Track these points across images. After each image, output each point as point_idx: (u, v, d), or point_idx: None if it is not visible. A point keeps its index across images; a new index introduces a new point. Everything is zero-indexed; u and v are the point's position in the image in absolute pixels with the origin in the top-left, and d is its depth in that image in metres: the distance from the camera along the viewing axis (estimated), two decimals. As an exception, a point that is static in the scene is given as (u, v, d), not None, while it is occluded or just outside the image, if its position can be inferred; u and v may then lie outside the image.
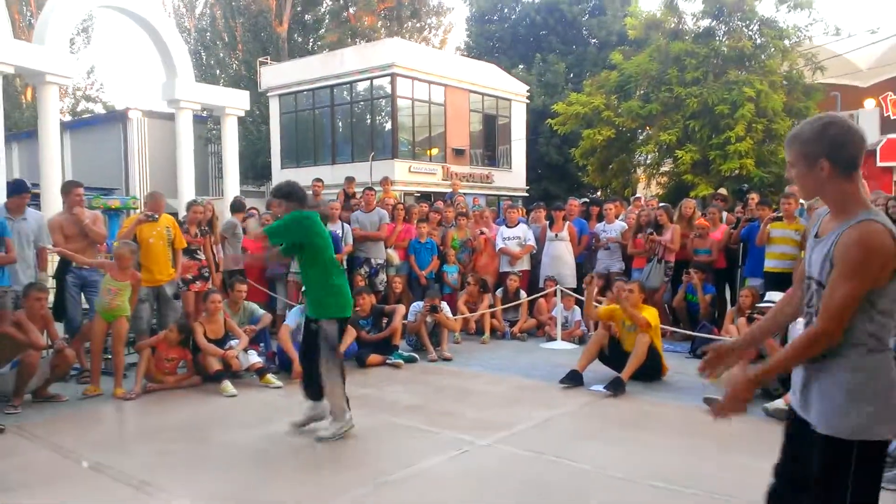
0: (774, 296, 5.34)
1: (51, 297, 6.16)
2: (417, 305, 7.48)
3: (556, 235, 8.74)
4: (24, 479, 3.78)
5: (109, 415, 5.24)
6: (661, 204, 9.15)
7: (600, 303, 7.85)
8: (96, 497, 3.56)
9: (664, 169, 18.94)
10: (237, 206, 8.79)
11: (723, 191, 13.89)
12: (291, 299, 7.95)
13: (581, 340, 7.79)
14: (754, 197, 8.57)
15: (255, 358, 6.17)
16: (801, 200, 8.43)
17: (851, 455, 1.97)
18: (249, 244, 8.39)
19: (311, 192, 9.58)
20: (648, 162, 19.21)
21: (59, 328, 6.08)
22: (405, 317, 7.23)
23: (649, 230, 8.13)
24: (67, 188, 6.48)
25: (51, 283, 6.66)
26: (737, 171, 15.88)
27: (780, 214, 7.34)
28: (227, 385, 5.74)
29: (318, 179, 9.93)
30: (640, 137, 19.02)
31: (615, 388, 5.53)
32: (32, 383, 5.34)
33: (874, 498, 2.01)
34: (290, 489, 3.59)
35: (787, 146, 2.14)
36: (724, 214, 8.74)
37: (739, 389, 2.11)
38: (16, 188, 6.20)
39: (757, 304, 5.47)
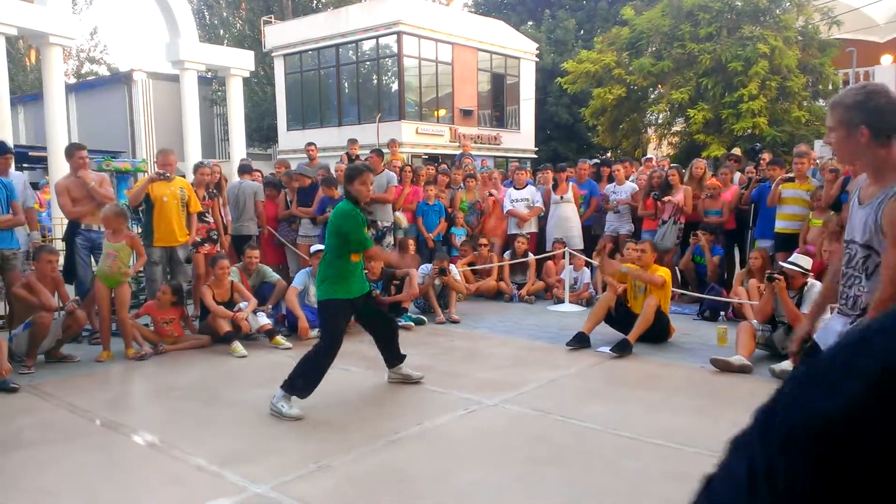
0: (800, 259, 5.29)
1: (61, 260, 6.20)
2: (426, 268, 7.49)
3: (562, 198, 8.68)
4: (39, 436, 3.86)
5: (121, 375, 5.31)
6: (672, 165, 9.06)
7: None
8: (110, 454, 3.63)
9: (676, 129, 18.69)
10: (246, 169, 8.70)
11: (737, 151, 13.72)
12: (303, 262, 7.98)
13: (588, 303, 7.80)
14: (766, 157, 8.46)
15: (264, 319, 6.23)
16: (817, 160, 8.33)
17: None
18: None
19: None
20: (660, 121, 18.95)
21: (69, 290, 6.13)
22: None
23: (655, 193, 8.05)
24: (70, 151, 6.46)
25: (60, 246, 6.70)
26: (750, 130, 15.66)
27: (792, 175, 7.25)
28: (238, 346, 5.80)
29: (311, 143, 9.85)
30: (652, 96, 18.74)
31: (622, 349, 5.55)
32: (45, 344, 5.42)
33: None
34: (301, 447, 3.64)
35: (829, 111, 2.22)
36: (737, 175, 8.64)
37: None
38: None
39: (780, 263, 5.44)
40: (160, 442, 3.74)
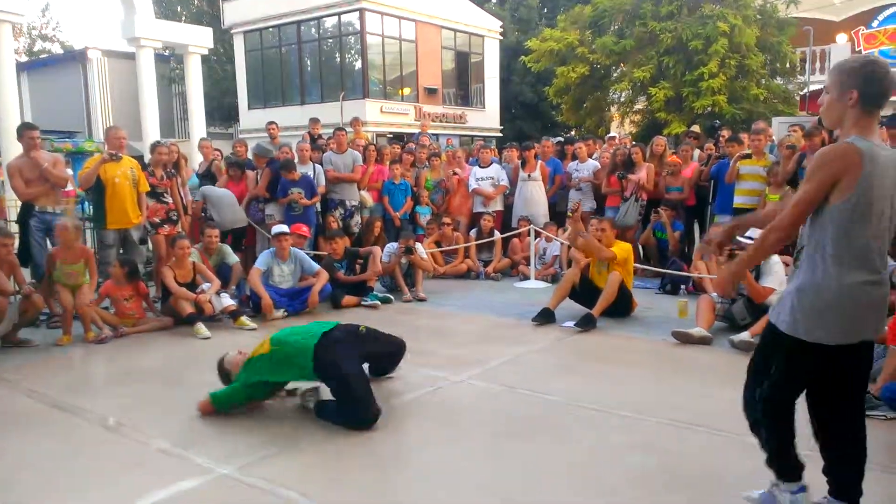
0: (755, 232, 5.40)
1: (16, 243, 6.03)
2: (392, 247, 7.47)
3: (529, 176, 8.72)
4: (-3, 423, 3.77)
5: (81, 359, 5.21)
6: (634, 143, 9.16)
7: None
8: (71, 439, 3.56)
9: (638, 107, 18.88)
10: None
11: (696, 128, 13.93)
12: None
13: (554, 279, 7.88)
14: (725, 133, 8.61)
15: (228, 301, 6.15)
16: (773, 137, 8.49)
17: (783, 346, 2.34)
18: None
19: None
20: (622, 100, 19.12)
21: (25, 273, 5.96)
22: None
23: (621, 173, 8.13)
24: (20, 131, 6.26)
25: (14, 229, 6.50)
26: (709, 108, 15.89)
27: (750, 151, 7.39)
28: (201, 327, 5.72)
29: (272, 122, 9.73)
30: (615, 75, 18.87)
31: (586, 323, 5.63)
32: (1, 329, 5.27)
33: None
34: (267, 428, 3.62)
35: (829, 73, 2.34)
36: (696, 152, 8.78)
37: (724, 280, 2.61)
38: None
39: (737, 238, 5.55)
40: (122, 425, 3.68)
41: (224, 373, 3.97)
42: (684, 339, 5.12)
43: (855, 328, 2.26)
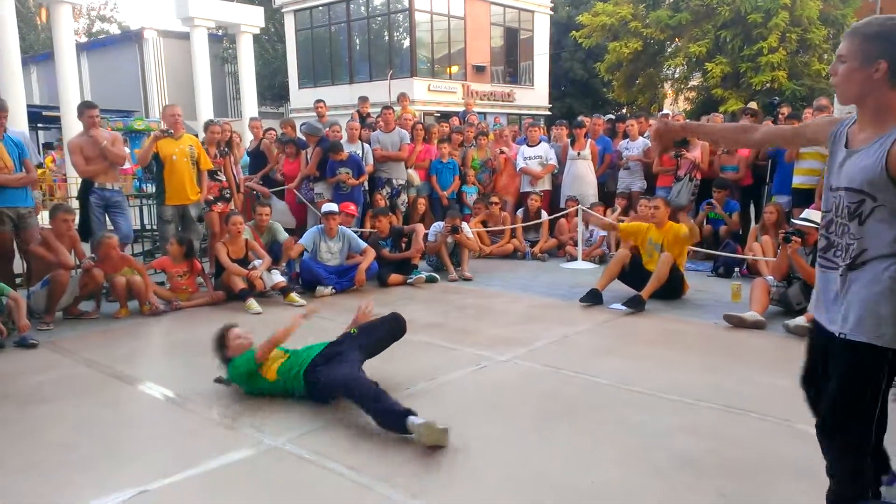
0: (812, 214, 5.21)
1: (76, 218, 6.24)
2: (438, 226, 7.47)
3: (578, 154, 8.58)
4: (58, 391, 3.94)
5: (138, 331, 5.39)
6: (688, 120, 8.90)
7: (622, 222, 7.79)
8: (127, 407, 3.71)
9: (693, 83, 18.37)
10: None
11: (753, 105, 13.47)
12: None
13: (602, 260, 7.77)
14: (784, 111, 8.29)
15: (278, 277, 6.27)
16: (835, 114, 8.13)
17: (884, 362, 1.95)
18: None
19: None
20: (676, 76, 18.63)
21: (85, 247, 6.18)
22: (426, 237, 7.26)
23: (676, 152, 7.91)
24: (81, 110, 6.45)
25: (75, 205, 6.74)
26: (768, 84, 15.34)
27: (812, 129, 7.09)
28: (252, 303, 5.85)
29: (320, 101, 9.80)
30: (669, 50, 18.36)
31: (635, 305, 5.53)
32: (63, 301, 5.50)
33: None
34: (315, 403, 3.68)
35: (846, 38, 1.95)
36: (754, 130, 8.48)
37: None
38: None
39: (793, 220, 5.37)
40: (176, 396, 3.81)
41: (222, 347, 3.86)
42: (737, 322, 4.99)
43: None
